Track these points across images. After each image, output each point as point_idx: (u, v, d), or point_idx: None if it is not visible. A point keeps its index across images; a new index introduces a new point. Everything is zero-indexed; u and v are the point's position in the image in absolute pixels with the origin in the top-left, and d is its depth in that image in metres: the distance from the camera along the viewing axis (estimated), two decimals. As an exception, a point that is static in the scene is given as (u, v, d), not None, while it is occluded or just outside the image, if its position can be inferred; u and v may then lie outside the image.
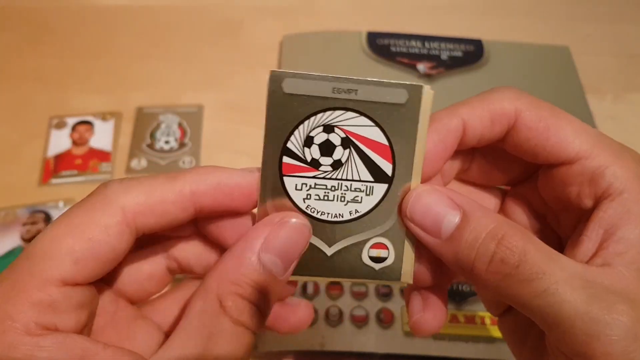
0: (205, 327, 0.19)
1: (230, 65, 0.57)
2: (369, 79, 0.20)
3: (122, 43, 0.59)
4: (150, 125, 0.51)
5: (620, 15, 0.64)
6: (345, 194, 0.21)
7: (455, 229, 0.20)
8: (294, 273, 0.22)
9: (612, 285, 0.18)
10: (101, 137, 0.50)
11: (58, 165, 0.48)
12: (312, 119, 0.21)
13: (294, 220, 0.21)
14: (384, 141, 0.21)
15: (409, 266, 0.23)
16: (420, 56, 0.57)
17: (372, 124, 0.21)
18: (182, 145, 0.50)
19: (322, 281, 0.22)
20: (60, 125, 0.51)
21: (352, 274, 0.22)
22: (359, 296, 0.41)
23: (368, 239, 0.22)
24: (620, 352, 0.17)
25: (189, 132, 0.51)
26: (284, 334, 0.25)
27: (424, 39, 0.58)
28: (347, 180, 0.21)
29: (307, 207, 0.21)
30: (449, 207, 0.20)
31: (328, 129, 0.21)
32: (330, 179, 0.21)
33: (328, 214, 0.21)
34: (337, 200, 0.21)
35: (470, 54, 0.57)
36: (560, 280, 0.18)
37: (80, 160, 0.49)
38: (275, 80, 0.20)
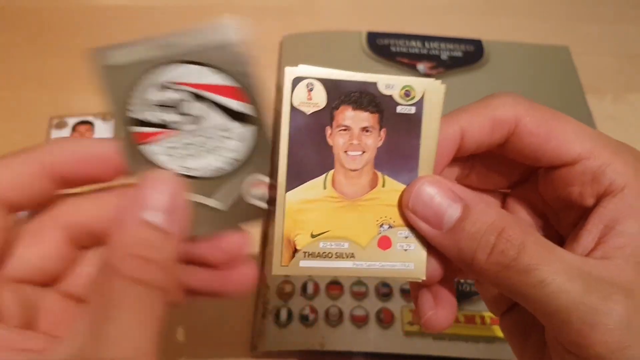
0: (104, 295, 0.18)
1: (231, 65, 0.57)
2: (190, 29, 0.20)
3: (122, 43, 0.59)
4: (150, 125, 0.51)
5: (620, 15, 0.64)
6: (217, 146, 0.21)
7: (456, 221, 0.20)
8: (197, 231, 0.21)
9: (609, 276, 0.19)
10: (101, 137, 0.50)
11: (58, 165, 0.48)
12: (151, 82, 0.20)
13: (159, 174, 0.20)
14: (232, 83, 0.20)
15: (421, 262, 0.23)
16: (420, 56, 0.57)
17: (214, 71, 0.20)
18: (182, 145, 0.50)
19: (222, 232, 0.22)
20: (61, 125, 0.51)
21: (248, 218, 0.22)
22: (359, 296, 0.41)
23: (252, 182, 0.22)
24: (616, 340, 0.18)
25: (189, 132, 0.51)
26: (229, 296, 0.24)
27: (424, 39, 0.59)
28: (212, 132, 0.21)
29: (186, 169, 0.21)
30: (451, 200, 0.21)
31: (172, 87, 0.20)
32: (196, 136, 0.21)
33: (209, 170, 0.21)
34: (213, 154, 0.21)
35: (470, 54, 0.57)
36: (557, 271, 0.19)
37: (80, 160, 0.49)
38: (97, 58, 0.20)
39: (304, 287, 0.41)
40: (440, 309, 0.23)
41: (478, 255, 0.19)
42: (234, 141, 0.21)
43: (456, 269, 0.24)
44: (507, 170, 0.25)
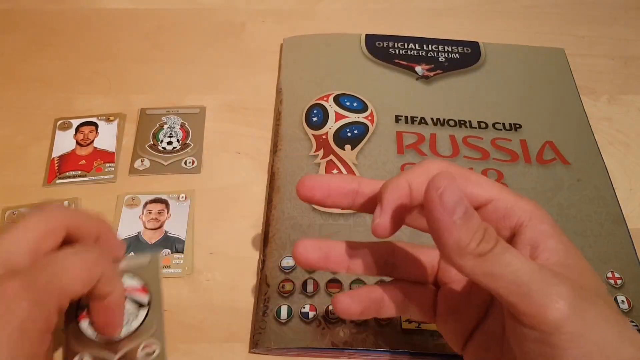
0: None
1: (232, 67, 0.58)
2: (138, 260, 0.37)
3: (125, 46, 0.60)
4: (153, 126, 0.52)
5: (615, 18, 0.65)
6: (127, 319, 0.35)
7: (463, 214, 0.25)
8: None
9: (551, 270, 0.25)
10: (105, 138, 0.51)
11: (63, 165, 0.49)
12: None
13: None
14: (144, 286, 0.36)
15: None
16: (419, 58, 0.58)
17: (138, 279, 0.36)
18: (184, 146, 0.51)
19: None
20: (65, 126, 0.52)
21: None
22: (358, 294, 0.41)
23: (141, 342, 0.34)
24: (567, 308, 0.23)
25: (191, 133, 0.52)
26: None
27: (422, 41, 0.59)
28: (128, 314, 0.35)
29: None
30: (462, 199, 0.26)
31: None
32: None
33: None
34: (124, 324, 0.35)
35: (467, 56, 0.58)
36: (517, 256, 0.25)
37: (84, 160, 0.49)
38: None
39: (304, 286, 0.41)
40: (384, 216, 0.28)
41: (471, 243, 0.25)
42: (135, 316, 0.35)
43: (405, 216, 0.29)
44: None
